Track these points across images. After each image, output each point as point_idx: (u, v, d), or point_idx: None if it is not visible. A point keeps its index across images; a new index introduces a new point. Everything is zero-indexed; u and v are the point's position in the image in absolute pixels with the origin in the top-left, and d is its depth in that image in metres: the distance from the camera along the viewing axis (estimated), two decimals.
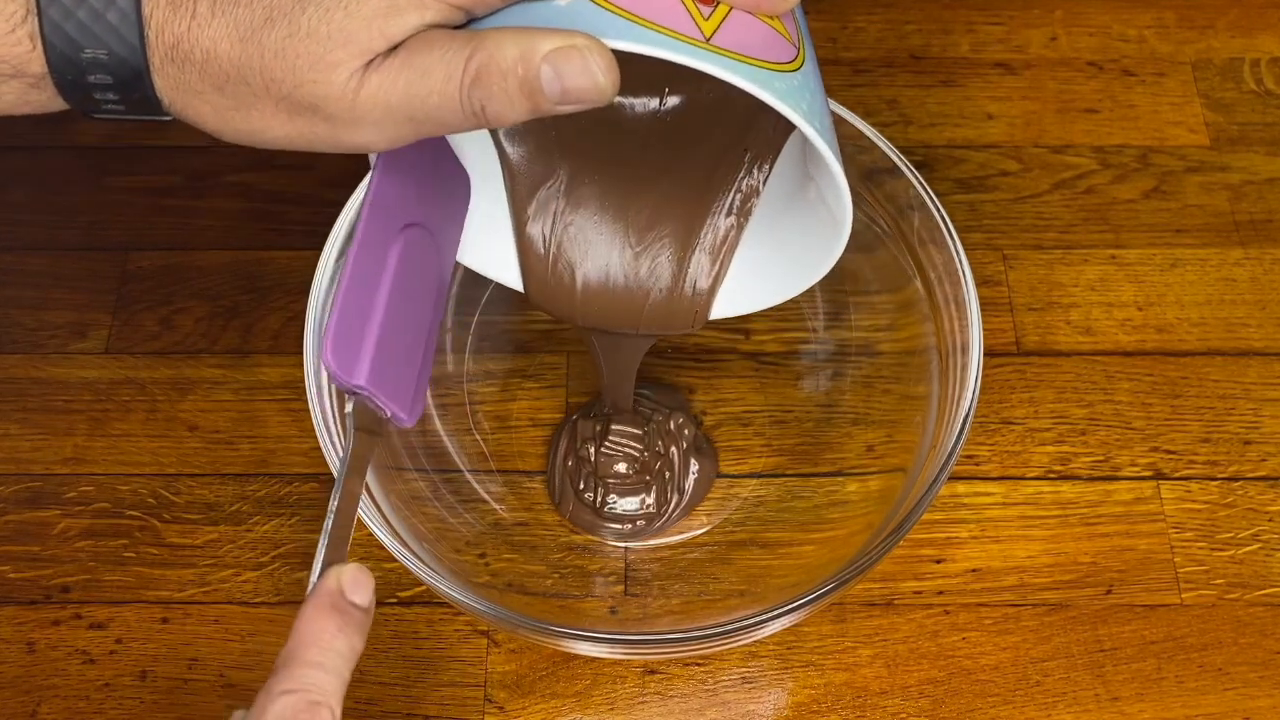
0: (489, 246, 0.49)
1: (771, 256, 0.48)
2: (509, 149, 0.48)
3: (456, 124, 0.35)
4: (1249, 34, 0.72)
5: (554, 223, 0.48)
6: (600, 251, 0.48)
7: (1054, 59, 0.71)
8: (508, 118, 0.35)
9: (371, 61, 0.34)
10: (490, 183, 0.49)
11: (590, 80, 0.34)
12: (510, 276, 0.49)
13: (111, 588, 0.55)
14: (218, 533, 0.57)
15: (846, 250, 0.57)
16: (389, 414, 0.40)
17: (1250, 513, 0.58)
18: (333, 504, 0.37)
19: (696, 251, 0.48)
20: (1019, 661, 0.54)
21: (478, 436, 0.59)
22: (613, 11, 0.35)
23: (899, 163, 0.52)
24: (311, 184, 0.66)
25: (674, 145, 0.47)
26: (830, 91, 0.54)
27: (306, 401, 0.48)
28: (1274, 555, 0.57)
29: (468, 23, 0.36)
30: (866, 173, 0.54)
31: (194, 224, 0.65)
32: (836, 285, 0.58)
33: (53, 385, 0.60)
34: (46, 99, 0.37)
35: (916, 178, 0.52)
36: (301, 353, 0.49)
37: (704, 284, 0.48)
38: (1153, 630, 0.55)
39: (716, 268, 0.48)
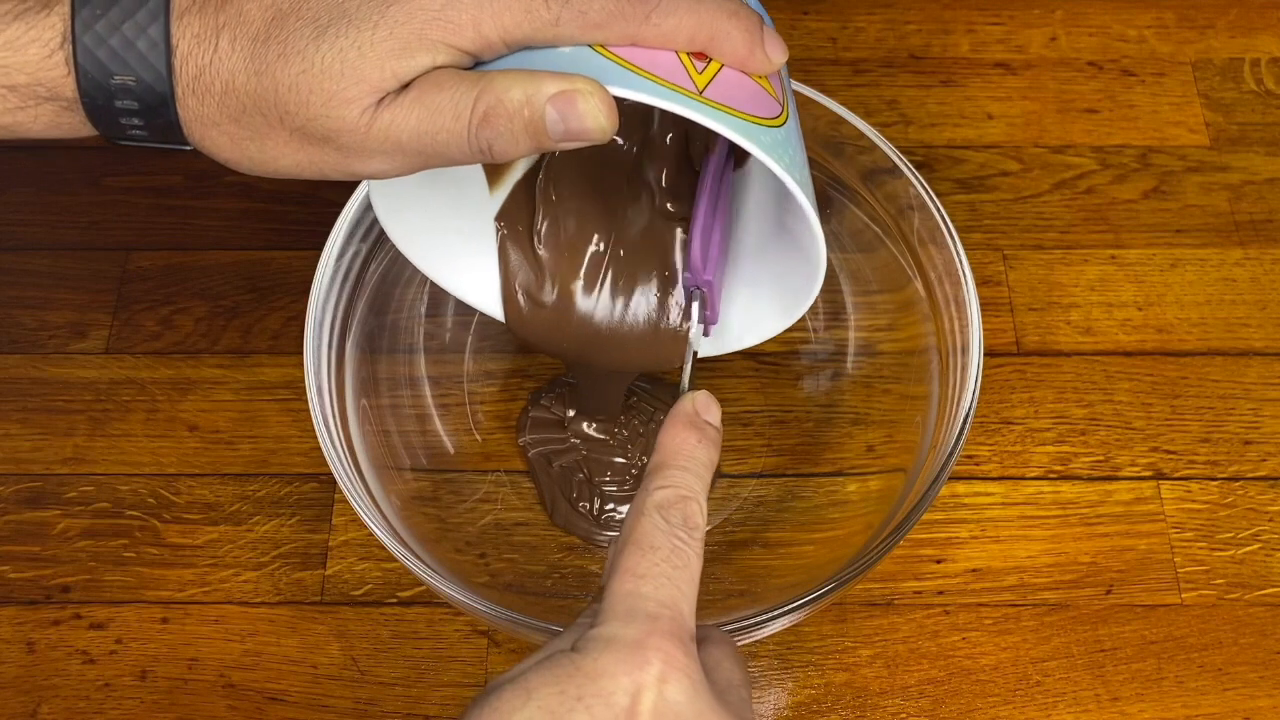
0: (470, 271, 0.50)
1: (750, 298, 0.49)
2: (501, 190, 0.49)
3: (463, 159, 0.37)
4: (1249, 34, 0.72)
5: (533, 252, 0.49)
6: (583, 291, 0.50)
7: (1054, 59, 0.71)
8: (512, 154, 0.37)
9: (384, 99, 0.36)
10: (473, 206, 0.49)
11: (593, 122, 0.36)
12: (490, 305, 0.50)
13: (111, 588, 0.55)
14: (218, 533, 0.57)
15: (847, 250, 0.58)
16: (710, 314, 0.46)
17: (1250, 513, 0.58)
18: (686, 364, 0.45)
19: (674, 296, 0.49)
20: (1019, 661, 0.54)
21: (478, 436, 0.59)
22: (613, 60, 0.37)
23: (899, 163, 0.52)
24: (312, 184, 0.66)
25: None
26: (830, 91, 0.54)
27: (306, 401, 0.48)
28: (1274, 555, 0.57)
29: (474, 65, 0.38)
30: (866, 173, 0.54)
31: (195, 224, 0.65)
32: (836, 285, 0.58)
33: (53, 385, 0.60)
34: (77, 123, 0.39)
35: (916, 178, 0.52)
36: (302, 352, 0.49)
37: (681, 327, 0.50)
38: (1153, 630, 0.55)
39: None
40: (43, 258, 0.64)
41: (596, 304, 0.50)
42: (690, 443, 0.38)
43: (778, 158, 0.38)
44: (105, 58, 0.37)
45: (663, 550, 0.35)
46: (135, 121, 0.38)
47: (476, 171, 0.49)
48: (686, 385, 0.42)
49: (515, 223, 0.49)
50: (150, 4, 0.37)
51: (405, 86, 0.37)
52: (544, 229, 0.49)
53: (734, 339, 0.50)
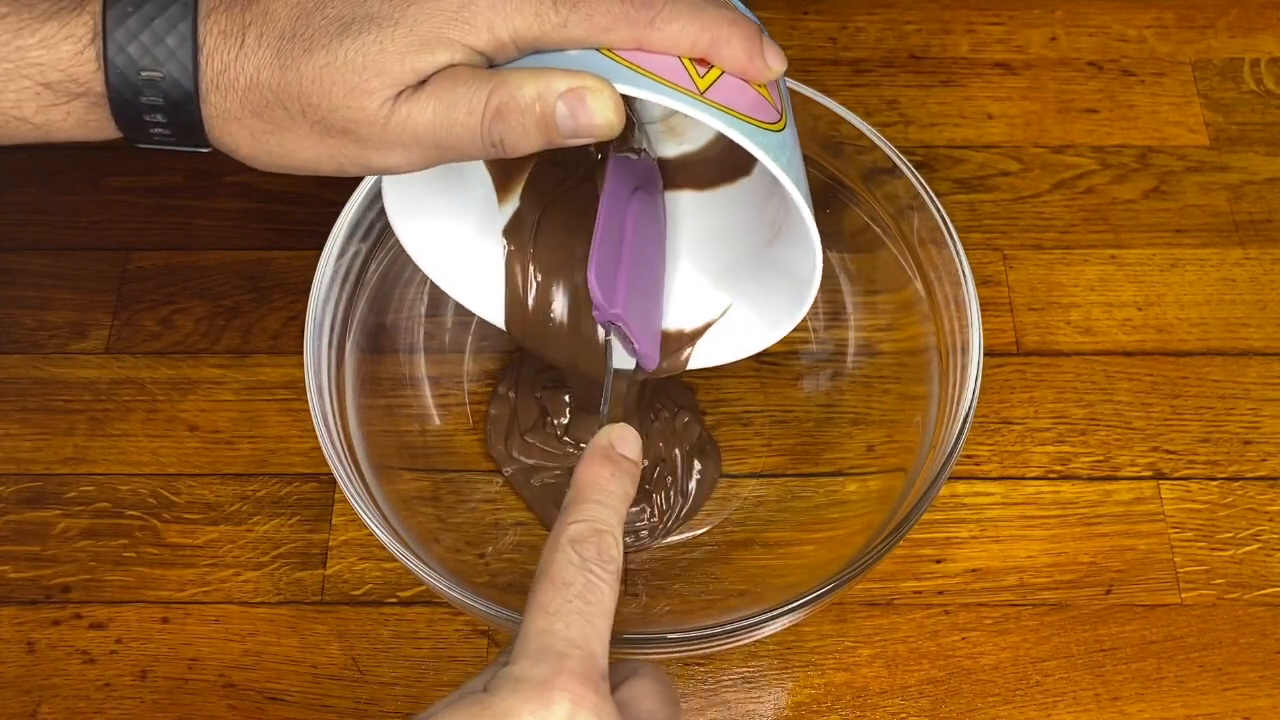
0: (477, 281, 0.51)
1: (740, 311, 0.51)
2: (511, 199, 0.51)
3: (476, 153, 0.39)
4: (1249, 34, 0.72)
5: (535, 269, 0.51)
6: (577, 302, 0.51)
7: (1054, 59, 0.71)
8: (522, 149, 0.38)
9: (402, 92, 0.38)
10: (484, 220, 0.51)
11: (601, 117, 0.37)
12: (493, 313, 0.51)
13: (111, 588, 0.55)
14: (218, 533, 0.57)
15: (848, 250, 0.58)
16: (637, 348, 0.45)
17: (1250, 513, 0.58)
18: (605, 395, 0.44)
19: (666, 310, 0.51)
20: (1019, 661, 0.54)
21: (478, 436, 0.59)
22: (619, 63, 0.38)
23: (899, 163, 0.52)
24: (311, 184, 0.66)
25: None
26: (830, 91, 0.54)
27: (306, 401, 0.48)
28: (1274, 555, 0.57)
29: (488, 67, 0.39)
30: (866, 173, 0.54)
31: (195, 224, 0.65)
32: (836, 285, 0.58)
33: (53, 385, 0.60)
34: (103, 119, 0.40)
35: (916, 178, 0.52)
36: (302, 352, 0.49)
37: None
38: (1153, 630, 0.55)
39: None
40: (43, 258, 0.64)
41: (575, 318, 0.51)
42: (604, 476, 0.39)
43: (776, 158, 0.39)
44: (135, 52, 0.38)
45: (575, 586, 0.36)
46: (158, 118, 0.39)
47: (487, 186, 0.50)
48: (605, 418, 0.42)
49: (520, 238, 0.51)
50: (182, 1, 0.38)
51: (422, 83, 0.38)
52: (543, 247, 0.51)
53: (723, 354, 0.51)
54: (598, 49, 0.39)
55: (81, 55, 0.38)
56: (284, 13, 0.38)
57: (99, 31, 0.38)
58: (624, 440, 0.40)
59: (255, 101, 0.38)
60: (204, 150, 0.41)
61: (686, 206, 0.51)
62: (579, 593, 0.35)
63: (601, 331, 0.46)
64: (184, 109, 0.39)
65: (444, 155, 0.39)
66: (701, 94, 0.38)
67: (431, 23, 0.37)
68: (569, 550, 0.36)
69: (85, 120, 0.40)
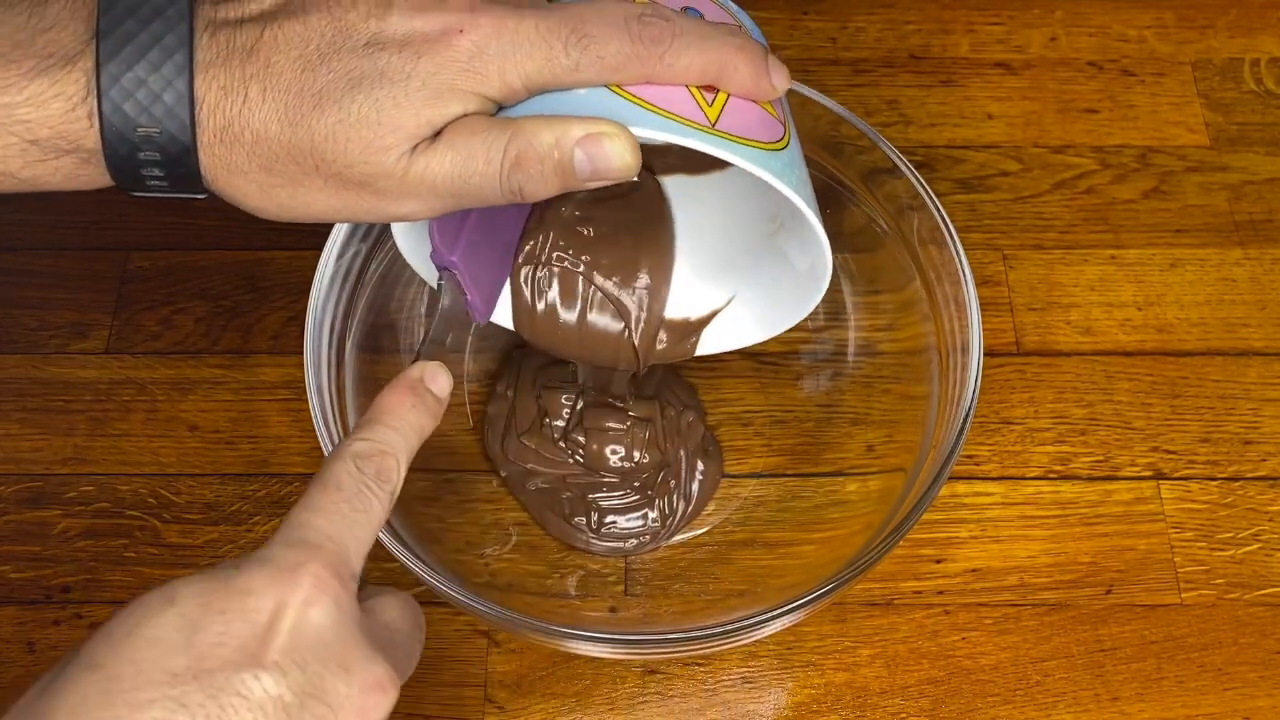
0: None
1: (746, 300, 0.51)
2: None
3: (495, 200, 0.39)
4: (1249, 34, 0.72)
5: (540, 264, 0.51)
6: (580, 295, 0.52)
7: (1054, 59, 0.71)
8: (541, 195, 0.39)
9: (417, 145, 0.38)
10: None
11: (619, 161, 0.38)
12: (500, 316, 0.51)
13: (112, 588, 0.55)
14: (218, 533, 0.57)
15: (848, 250, 0.58)
16: (468, 298, 0.45)
17: (1250, 513, 0.58)
18: (426, 334, 0.44)
19: (669, 300, 0.52)
20: (1019, 661, 0.54)
21: (477, 436, 0.59)
22: (629, 100, 0.39)
23: (899, 163, 0.52)
24: None
25: (647, 210, 0.52)
26: (830, 91, 0.54)
27: (306, 401, 0.48)
28: (1274, 555, 0.57)
29: (499, 110, 0.39)
30: (867, 173, 0.54)
31: (195, 224, 0.65)
32: (836, 285, 0.58)
33: (53, 385, 0.60)
34: (96, 174, 0.39)
35: (916, 178, 0.52)
36: (302, 352, 0.49)
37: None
38: (1153, 630, 0.55)
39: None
40: (43, 258, 0.64)
41: (583, 315, 0.52)
42: (405, 405, 0.38)
43: (787, 180, 0.40)
44: (131, 110, 0.37)
45: (346, 491, 0.36)
46: (156, 172, 0.38)
47: None
48: (422, 355, 0.42)
49: (523, 246, 0.51)
50: (176, 57, 0.37)
51: (437, 134, 0.38)
52: (545, 253, 0.51)
53: (712, 343, 0.52)
54: (606, 85, 0.39)
55: (73, 113, 0.37)
56: (286, 66, 0.37)
57: (93, 89, 0.37)
58: (435, 377, 0.40)
59: (264, 156, 0.38)
60: (201, 198, 0.40)
61: (685, 194, 0.52)
62: (348, 498, 0.35)
63: (436, 277, 0.45)
64: (182, 162, 0.38)
65: (461, 202, 0.39)
66: (713, 125, 0.39)
67: (443, 75, 0.37)
68: (349, 461, 0.36)
69: (75, 175, 0.39)
